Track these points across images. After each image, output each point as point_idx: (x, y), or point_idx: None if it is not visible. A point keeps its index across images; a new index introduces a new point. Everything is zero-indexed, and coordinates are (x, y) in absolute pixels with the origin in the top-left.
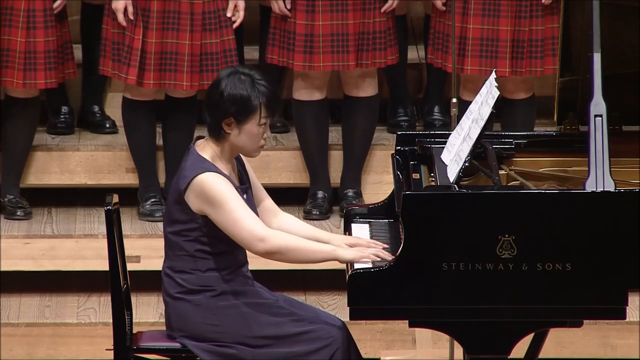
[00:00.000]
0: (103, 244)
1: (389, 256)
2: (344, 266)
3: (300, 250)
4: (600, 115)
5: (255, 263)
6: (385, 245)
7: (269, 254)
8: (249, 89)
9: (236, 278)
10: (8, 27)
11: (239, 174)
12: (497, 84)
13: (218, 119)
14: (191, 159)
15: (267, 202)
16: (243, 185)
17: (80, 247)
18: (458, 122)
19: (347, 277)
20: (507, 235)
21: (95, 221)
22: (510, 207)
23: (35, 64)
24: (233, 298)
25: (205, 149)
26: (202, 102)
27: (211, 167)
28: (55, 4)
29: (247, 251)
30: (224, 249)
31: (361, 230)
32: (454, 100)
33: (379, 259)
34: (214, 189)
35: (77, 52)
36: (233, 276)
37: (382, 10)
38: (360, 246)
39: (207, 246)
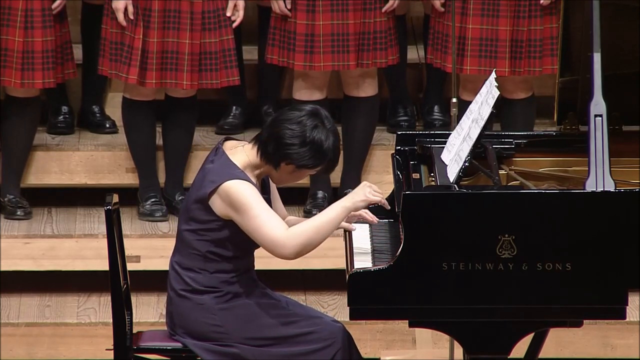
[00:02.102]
0: (103, 244)
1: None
2: (344, 266)
3: (321, 231)
4: (600, 115)
5: (256, 263)
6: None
7: (298, 254)
8: (325, 147)
9: (242, 280)
10: (6, 27)
11: (262, 181)
12: (497, 84)
13: (283, 158)
14: (220, 161)
15: (280, 208)
16: (265, 194)
17: (80, 247)
18: (458, 122)
19: (347, 277)
20: (507, 235)
21: (95, 221)
22: (510, 207)
23: (33, 63)
24: (236, 299)
25: (239, 154)
26: (202, 101)
27: (240, 175)
28: (54, 5)
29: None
30: (237, 254)
31: (361, 229)
32: (454, 100)
33: (378, 198)
34: (241, 197)
35: (78, 51)
36: (239, 279)
37: (383, 10)
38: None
39: (220, 249)
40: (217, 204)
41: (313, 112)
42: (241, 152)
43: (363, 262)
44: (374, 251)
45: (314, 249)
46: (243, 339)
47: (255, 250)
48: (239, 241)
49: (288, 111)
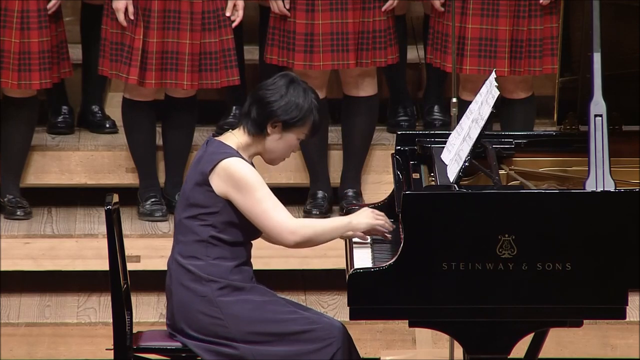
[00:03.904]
0: (103, 243)
1: (391, 226)
2: (344, 266)
3: (325, 234)
4: (600, 115)
5: (256, 263)
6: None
7: (300, 245)
8: (309, 104)
9: (242, 273)
10: (2, 28)
11: None
12: (497, 84)
13: (267, 118)
14: (214, 145)
15: None
16: None
17: (80, 247)
18: (458, 122)
19: (347, 277)
20: (507, 235)
21: (95, 221)
22: (510, 207)
23: (30, 64)
24: (237, 293)
25: (230, 139)
26: (202, 101)
27: (237, 155)
28: (49, 5)
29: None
30: (237, 239)
31: None
32: (454, 100)
33: (386, 230)
34: (243, 174)
35: (77, 52)
36: (239, 270)
37: (383, 9)
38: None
39: (221, 234)
40: (216, 183)
41: (283, 74)
42: (231, 136)
43: (363, 261)
44: (374, 251)
45: (309, 247)
46: (243, 333)
47: (255, 250)
48: (240, 224)
49: (262, 82)
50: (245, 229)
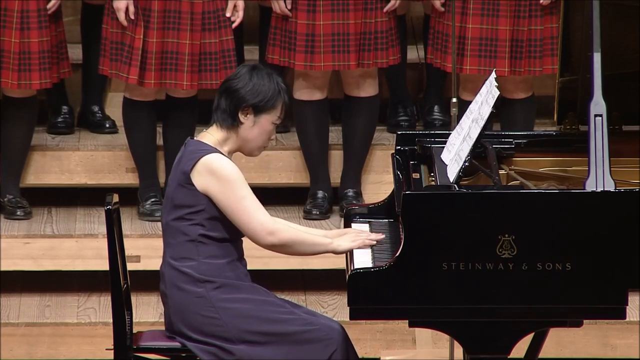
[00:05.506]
0: (103, 243)
1: (379, 236)
2: (344, 266)
3: (303, 245)
4: (600, 115)
5: (256, 263)
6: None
7: (274, 247)
8: (275, 86)
9: (235, 270)
10: (2, 28)
11: None
12: (497, 84)
13: (237, 105)
14: (192, 145)
15: None
16: None
17: (80, 247)
18: (458, 122)
19: (347, 277)
20: (507, 235)
21: (95, 221)
22: (510, 207)
23: (30, 64)
24: (234, 292)
25: (206, 138)
26: (203, 101)
27: (217, 151)
28: (49, 5)
29: (244, 252)
30: (226, 236)
31: (361, 229)
32: (454, 100)
33: (373, 243)
34: (223, 169)
35: (77, 52)
36: (232, 267)
37: (385, 10)
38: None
39: (210, 231)
40: (197, 180)
41: (244, 64)
42: (206, 135)
43: (363, 262)
44: (374, 251)
45: (284, 254)
46: (239, 332)
47: (255, 251)
48: (225, 221)
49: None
50: (231, 225)
